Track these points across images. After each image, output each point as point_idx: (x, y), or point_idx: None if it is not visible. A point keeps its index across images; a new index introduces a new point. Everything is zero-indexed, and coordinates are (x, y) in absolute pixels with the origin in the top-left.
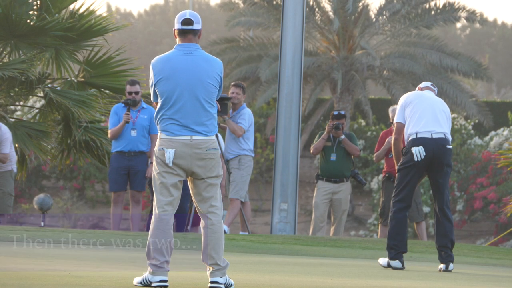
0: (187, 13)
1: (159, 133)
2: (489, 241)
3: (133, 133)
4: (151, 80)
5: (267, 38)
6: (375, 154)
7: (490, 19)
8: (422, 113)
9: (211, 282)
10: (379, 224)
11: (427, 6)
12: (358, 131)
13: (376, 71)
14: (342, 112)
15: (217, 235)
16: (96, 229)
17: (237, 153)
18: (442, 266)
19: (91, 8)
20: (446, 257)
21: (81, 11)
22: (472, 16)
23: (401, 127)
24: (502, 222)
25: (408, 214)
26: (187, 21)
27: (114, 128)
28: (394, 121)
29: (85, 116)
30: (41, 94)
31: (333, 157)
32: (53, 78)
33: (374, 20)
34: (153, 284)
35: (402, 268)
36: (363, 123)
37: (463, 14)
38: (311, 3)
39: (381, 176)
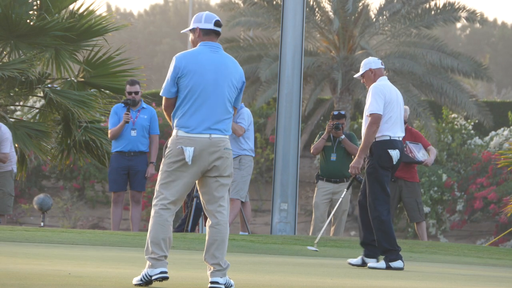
0: (212, 14)
1: (175, 130)
2: (489, 241)
3: (133, 133)
4: (171, 74)
5: (267, 38)
6: None
7: (490, 19)
8: (396, 118)
9: (211, 282)
10: None
11: (427, 6)
12: (358, 131)
13: None
14: (342, 112)
15: (222, 235)
16: (96, 229)
17: (237, 153)
18: (372, 261)
19: (91, 8)
20: (377, 251)
21: (81, 11)
22: (472, 16)
23: (380, 118)
24: (502, 222)
25: (409, 214)
26: (218, 23)
27: (114, 128)
28: (373, 111)
29: (85, 116)
30: (41, 94)
31: (333, 157)
32: (53, 78)
33: (374, 20)
34: (154, 277)
35: (403, 267)
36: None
37: (463, 14)
38: (311, 3)
39: None
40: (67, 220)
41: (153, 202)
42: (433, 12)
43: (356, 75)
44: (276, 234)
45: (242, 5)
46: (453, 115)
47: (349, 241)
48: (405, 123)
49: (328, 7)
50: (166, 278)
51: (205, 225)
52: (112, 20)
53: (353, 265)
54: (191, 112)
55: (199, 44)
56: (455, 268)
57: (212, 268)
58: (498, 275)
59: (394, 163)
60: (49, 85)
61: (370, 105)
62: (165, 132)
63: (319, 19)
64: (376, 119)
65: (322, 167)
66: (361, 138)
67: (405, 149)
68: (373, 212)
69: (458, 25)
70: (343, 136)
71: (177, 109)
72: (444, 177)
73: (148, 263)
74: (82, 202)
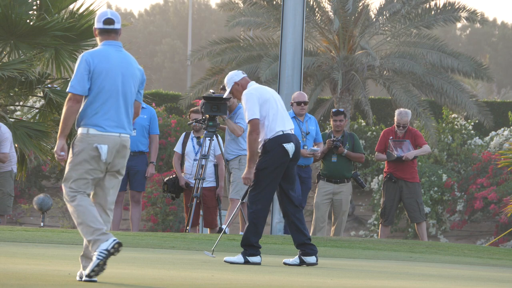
0: (108, 12)
1: (85, 129)
2: (490, 242)
3: (133, 133)
4: (84, 70)
5: (267, 38)
6: (376, 153)
7: (490, 19)
8: (278, 113)
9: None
10: (380, 225)
11: (427, 6)
12: (358, 131)
13: (376, 71)
14: (341, 109)
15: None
16: None
17: (237, 153)
18: (310, 259)
19: (91, 8)
20: (314, 248)
21: (81, 11)
22: (472, 16)
23: (258, 123)
24: (503, 222)
25: (410, 215)
26: (109, 21)
27: None
28: (250, 117)
29: None
30: (41, 94)
31: (334, 158)
32: (53, 78)
33: (374, 20)
34: (109, 248)
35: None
36: (363, 123)
37: (463, 14)
38: (311, 3)
39: (381, 176)
40: (67, 220)
41: (68, 198)
42: (433, 12)
43: (225, 95)
44: (276, 234)
45: (242, 5)
46: (453, 115)
47: (349, 241)
48: (404, 127)
49: (328, 7)
50: (120, 243)
51: (205, 226)
52: None
53: (289, 265)
54: (103, 111)
55: (102, 43)
56: (455, 268)
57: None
58: (498, 275)
59: (291, 156)
60: (49, 85)
61: (247, 113)
62: (165, 132)
63: (319, 19)
64: (254, 126)
65: (323, 167)
66: (361, 138)
67: (388, 148)
68: (255, 205)
69: (458, 25)
70: (346, 151)
71: (86, 108)
72: (444, 177)
73: (95, 244)
74: None
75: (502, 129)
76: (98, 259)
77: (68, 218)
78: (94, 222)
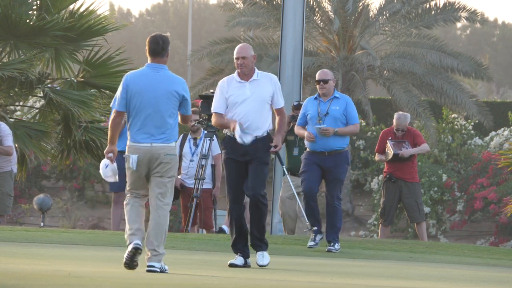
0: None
1: (129, 141)
2: (489, 241)
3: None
4: (120, 91)
5: (267, 38)
6: (376, 154)
7: (491, 18)
8: None
9: (148, 266)
10: (380, 225)
11: (427, 6)
12: (358, 131)
13: (376, 71)
14: (302, 103)
15: (162, 226)
16: (96, 229)
17: None
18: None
19: (91, 8)
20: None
21: (81, 11)
22: (472, 16)
23: None
24: (502, 222)
25: (409, 215)
26: (154, 46)
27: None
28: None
29: (85, 116)
30: (41, 94)
31: (295, 151)
32: (53, 78)
33: (374, 20)
34: (127, 253)
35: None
36: (363, 123)
37: (464, 14)
38: (311, 3)
39: (381, 177)
40: (67, 220)
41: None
42: (433, 12)
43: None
44: (276, 234)
45: (242, 5)
46: (453, 115)
47: (349, 241)
48: (403, 131)
49: (328, 7)
50: (137, 247)
51: (201, 227)
52: (112, 20)
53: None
54: (138, 126)
55: (145, 65)
56: (455, 269)
57: (149, 253)
58: (498, 275)
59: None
60: (49, 85)
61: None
62: None
63: (319, 19)
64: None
65: (286, 162)
66: (361, 138)
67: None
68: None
69: (458, 25)
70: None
71: (129, 123)
72: (444, 177)
73: (127, 241)
74: (82, 202)
75: (502, 129)
76: (124, 258)
77: (68, 218)
78: (130, 222)
